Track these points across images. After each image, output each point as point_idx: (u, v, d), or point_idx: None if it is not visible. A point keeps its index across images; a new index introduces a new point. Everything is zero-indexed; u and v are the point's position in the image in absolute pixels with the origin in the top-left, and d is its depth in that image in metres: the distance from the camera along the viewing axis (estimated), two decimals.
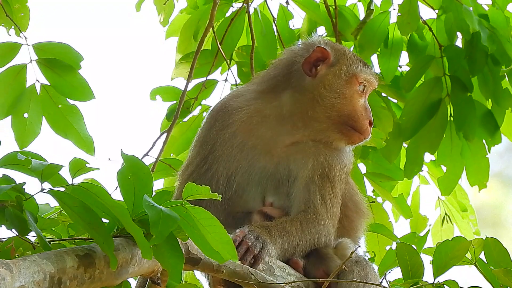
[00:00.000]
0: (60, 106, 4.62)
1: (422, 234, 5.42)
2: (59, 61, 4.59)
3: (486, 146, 5.25)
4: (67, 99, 4.62)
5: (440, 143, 5.26)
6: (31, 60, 4.63)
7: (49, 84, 4.63)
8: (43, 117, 4.64)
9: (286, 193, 4.05)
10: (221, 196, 3.13)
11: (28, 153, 3.13)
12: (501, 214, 8.64)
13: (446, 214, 5.62)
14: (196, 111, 5.48)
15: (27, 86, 4.65)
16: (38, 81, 4.64)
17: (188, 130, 5.47)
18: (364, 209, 4.22)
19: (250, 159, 4.08)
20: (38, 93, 4.64)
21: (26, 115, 4.63)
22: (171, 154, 5.46)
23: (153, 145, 5.12)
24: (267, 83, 4.21)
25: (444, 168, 5.40)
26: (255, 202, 4.05)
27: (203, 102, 5.48)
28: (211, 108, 4.27)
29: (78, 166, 3.09)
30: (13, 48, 4.63)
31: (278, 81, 4.19)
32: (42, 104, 4.63)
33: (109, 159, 4.80)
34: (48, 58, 4.60)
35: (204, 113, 5.48)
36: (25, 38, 4.63)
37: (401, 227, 5.64)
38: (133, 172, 3.16)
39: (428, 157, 5.36)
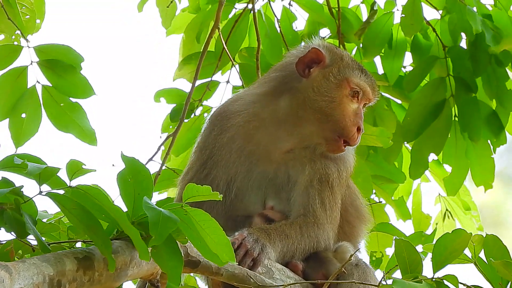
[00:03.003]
0: (62, 105, 4.64)
1: (426, 232, 5.46)
2: (60, 62, 4.62)
3: (492, 147, 5.23)
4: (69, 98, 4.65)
5: (445, 144, 5.24)
6: (31, 62, 4.66)
7: (50, 85, 4.65)
8: (46, 117, 4.67)
9: (286, 198, 4.02)
10: (221, 196, 3.11)
11: (25, 156, 3.13)
12: (501, 213, 8.63)
13: (447, 209, 5.61)
14: (197, 112, 5.48)
15: (27, 88, 4.68)
16: (39, 82, 4.67)
17: (188, 131, 5.47)
18: (365, 214, 4.19)
19: (248, 165, 4.06)
20: (39, 94, 4.67)
21: (23, 115, 4.66)
22: (171, 155, 5.47)
23: (158, 149, 5.10)
24: (267, 85, 4.18)
25: (446, 167, 5.39)
26: (255, 206, 4.03)
27: (204, 103, 5.49)
28: (211, 113, 4.26)
29: (75, 168, 3.09)
30: (14, 50, 4.66)
31: (277, 83, 4.15)
32: (44, 104, 4.66)
33: (113, 165, 4.78)
34: (49, 60, 4.62)
35: (205, 114, 5.49)
36: (27, 40, 4.65)
37: (405, 226, 5.63)
38: (133, 174, 3.16)
39: (431, 156, 5.35)
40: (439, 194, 5.62)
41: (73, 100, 4.65)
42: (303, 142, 4.06)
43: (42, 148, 4.89)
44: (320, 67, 4.10)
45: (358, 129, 4.03)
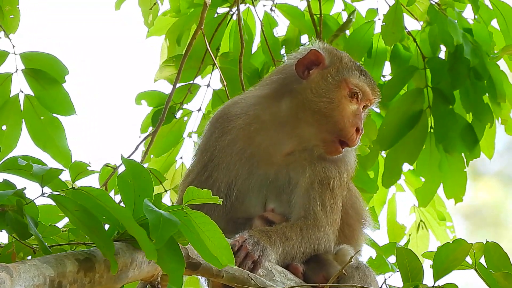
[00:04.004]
0: (42, 118, 4.61)
1: (400, 243, 5.52)
2: (45, 73, 4.58)
3: (465, 160, 5.29)
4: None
5: (419, 155, 5.29)
6: (17, 69, 4.61)
7: (33, 95, 4.61)
8: (24, 128, 4.63)
9: (287, 200, 4.03)
10: (222, 200, 3.13)
11: (29, 157, 3.12)
12: (501, 213, 8.65)
13: (421, 220, 5.66)
14: (177, 115, 5.48)
15: (10, 96, 4.62)
16: (22, 92, 4.63)
17: (169, 133, 5.46)
18: (365, 216, 4.21)
19: (249, 167, 4.07)
20: (21, 104, 4.63)
21: (4, 127, 4.61)
22: (151, 156, 5.46)
23: (136, 148, 5.10)
24: (268, 87, 4.19)
25: (422, 179, 5.43)
26: (256, 208, 4.04)
27: (185, 106, 5.48)
28: (212, 115, 4.26)
29: (79, 169, 3.09)
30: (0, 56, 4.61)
31: (278, 85, 4.17)
32: (25, 114, 4.61)
33: (89, 163, 4.76)
34: (34, 69, 4.58)
35: (185, 118, 5.49)
36: (13, 46, 4.61)
37: (379, 236, 5.68)
38: (133, 176, 3.16)
39: (406, 166, 5.40)
40: (414, 204, 5.66)
41: (53, 114, 4.64)
42: (302, 144, 4.07)
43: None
44: (320, 68, 4.11)
45: (357, 130, 4.03)
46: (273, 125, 4.10)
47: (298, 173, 4.06)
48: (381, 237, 5.70)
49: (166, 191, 5.23)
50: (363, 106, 4.14)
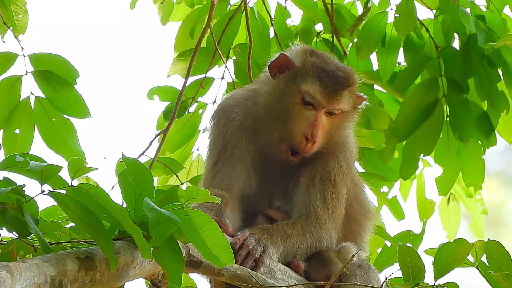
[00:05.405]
0: (53, 119, 4.59)
1: (430, 218, 5.51)
2: (55, 75, 4.55)
3: (482, 148, 5.26)
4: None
5: (437, 144, 5.25)
6: (26, 72, 4.58)
7: (44, 97, 4.59)
8: (36, 130, 4.61)
9: (290, 197, 4.01)
10: (219, 200, 3.13)
11: (26, 155, 3.13)
12: (501, 213, 8.64)
13: (451, 193, 5.62)
14: (192, 108, 5.46)
15: (21, 99, 4.60)
16: (33, 94, 4.60)
17: (184, 127, 5.45)
18: (370, 209, 4.17)
19: (253, 164, 4.06)
20: (32, 106, 4.60)
21: (17, 131, 4.60)
22: (166, 152, 5.45)
23: (150, 144, 5.09)
24: (257, 84, 4.19)
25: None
26: (261, 205, 4.03)
27: (199, 99, 5.47)
28: (213, 111, 4.24)
29: (77, 166, 3.09)
30: (9, 59, 4.57)
31: (262, 83, 4.15)
32: (35, 117, 4.59)
33: (105, 158, 4.77)
34: (44, 71, 4.55)
35: (200, 110, 5.48)
36: (22, 48, 4.58)
37: (409, 211, 5.63)
38: (134, 174, 3.16)
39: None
40: None
41: (65, 116, 4.62)
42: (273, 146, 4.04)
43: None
44: (289, 72, 4.04)
45: (307, 139, 3.94)
46: (260, 122, 4.08)
47: (299, 170, 4.02)
48: (412, 213, 5.65)
49: (182, 183, 5.21)
50: (327, 113, 4.01)
